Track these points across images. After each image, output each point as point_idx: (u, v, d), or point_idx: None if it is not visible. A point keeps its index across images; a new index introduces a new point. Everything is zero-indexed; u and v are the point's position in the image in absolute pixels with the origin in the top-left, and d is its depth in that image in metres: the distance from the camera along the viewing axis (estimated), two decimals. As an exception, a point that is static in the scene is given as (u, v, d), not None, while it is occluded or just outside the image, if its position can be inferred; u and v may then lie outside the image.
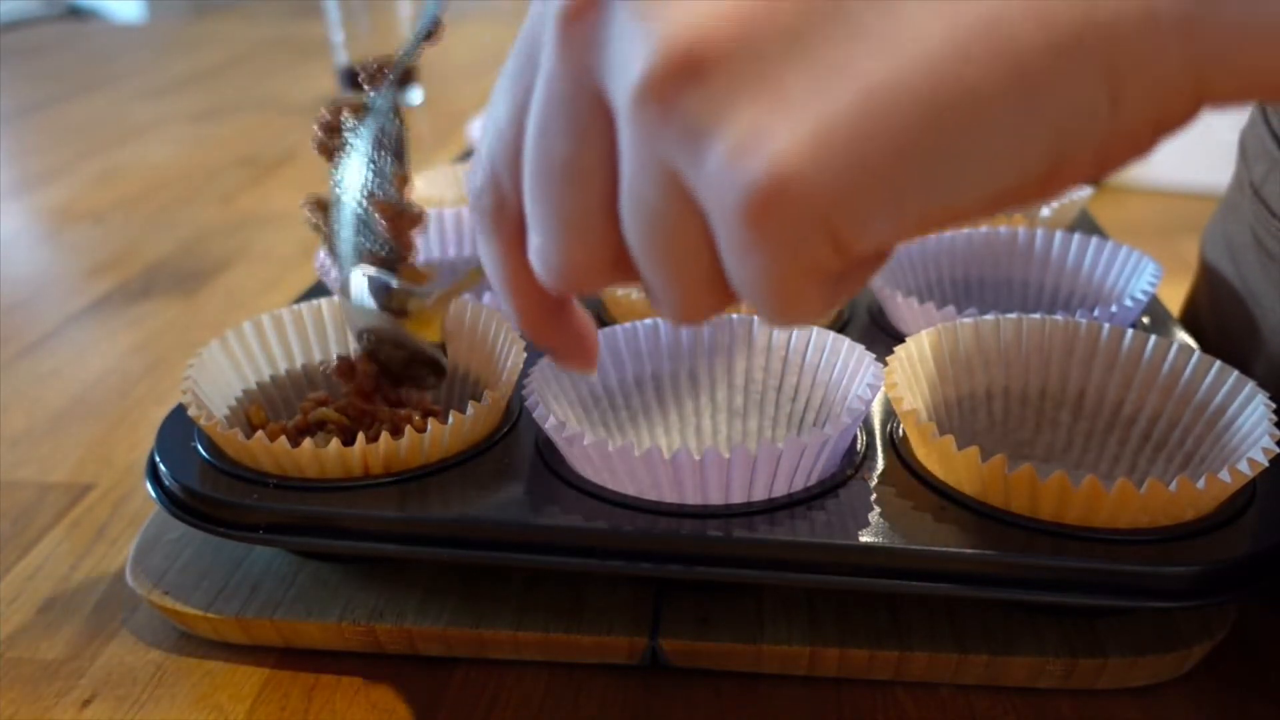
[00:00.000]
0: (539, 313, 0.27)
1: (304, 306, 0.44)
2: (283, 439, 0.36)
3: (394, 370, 0.38)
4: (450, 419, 0.36)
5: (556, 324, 0.28)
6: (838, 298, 0.21)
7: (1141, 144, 0.19)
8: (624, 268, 0.22)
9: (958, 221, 0.19)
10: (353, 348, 0.41)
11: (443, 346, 0.37)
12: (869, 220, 0.18)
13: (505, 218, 0.24)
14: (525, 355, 0.40)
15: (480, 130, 0.25)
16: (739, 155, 0.18)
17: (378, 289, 0.36)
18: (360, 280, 0.36)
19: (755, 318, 0.41)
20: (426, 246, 0.56)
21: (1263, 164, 0.47)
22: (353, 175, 0.38)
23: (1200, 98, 0.18)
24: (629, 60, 0.19)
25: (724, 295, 0.22)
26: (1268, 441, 0.33)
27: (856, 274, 0.21)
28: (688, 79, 0.18)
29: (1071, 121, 0.18)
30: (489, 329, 0.43)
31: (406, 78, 0.39)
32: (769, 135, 0.18)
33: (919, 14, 0.17)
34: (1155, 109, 0.18)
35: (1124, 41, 0.17)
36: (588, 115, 0.21)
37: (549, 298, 0.27)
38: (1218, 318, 0.51)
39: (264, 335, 0.43)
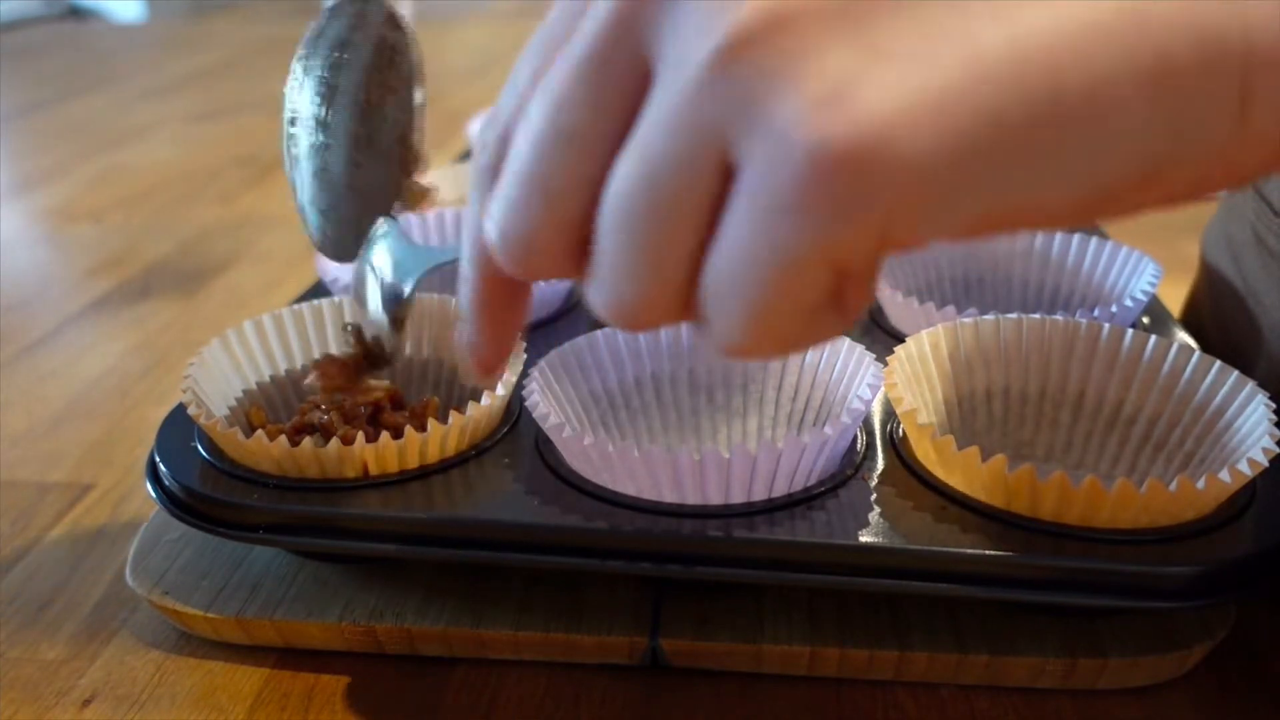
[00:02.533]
0: (498, 289, 0.25)
1: (304, 306, 0.44)
2: (282, 439, 0.36)
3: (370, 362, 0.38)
4: (450, 419, 0.36)
5: (505, 309, 0.25)
6: (807, 335, 0.19)
7: (1245, 170, 0.17)
8: (578, 257, 0.20)
9: (1036, 222, 0.17)
10: (318, 353, 0.41)
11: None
12: (939, 204, 0.16)
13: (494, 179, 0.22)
14: (525, 356, 0.40)
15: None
16: (822, 107, 0.16)
17: (390, 295, 0.35)
18: (375, 282, 0.35)
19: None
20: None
21: None
22: (340, 100, 0.35)
23: None
24: (704, 22, 0.17)
25: (682, 301, 0.19)
26: (1268, 442, 0.33)
27: (828, 309, 0.18)
28: (773, 30, 0.16)
29: (1191, 130, 0.16)
30: None
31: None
32: (858, 91, 0.16)
33: None
34: (1275, 139, 0.17)
35: (1270, 63, 0.16)
36: (617, 83, 0.19)
37: (512, 280, 0.24)
38: (1219, 317, 0.51)
39: (264, 335, 0.43)
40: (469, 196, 0.24)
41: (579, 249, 0.20)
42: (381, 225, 0.36)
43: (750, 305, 0.18)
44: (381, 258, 0.36)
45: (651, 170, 0.18)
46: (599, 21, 0.19)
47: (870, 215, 0.16)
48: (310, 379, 0.39)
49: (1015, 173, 0.16)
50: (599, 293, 0.20)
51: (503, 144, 0.22)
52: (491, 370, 0.27)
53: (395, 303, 0.35)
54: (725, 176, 0.17)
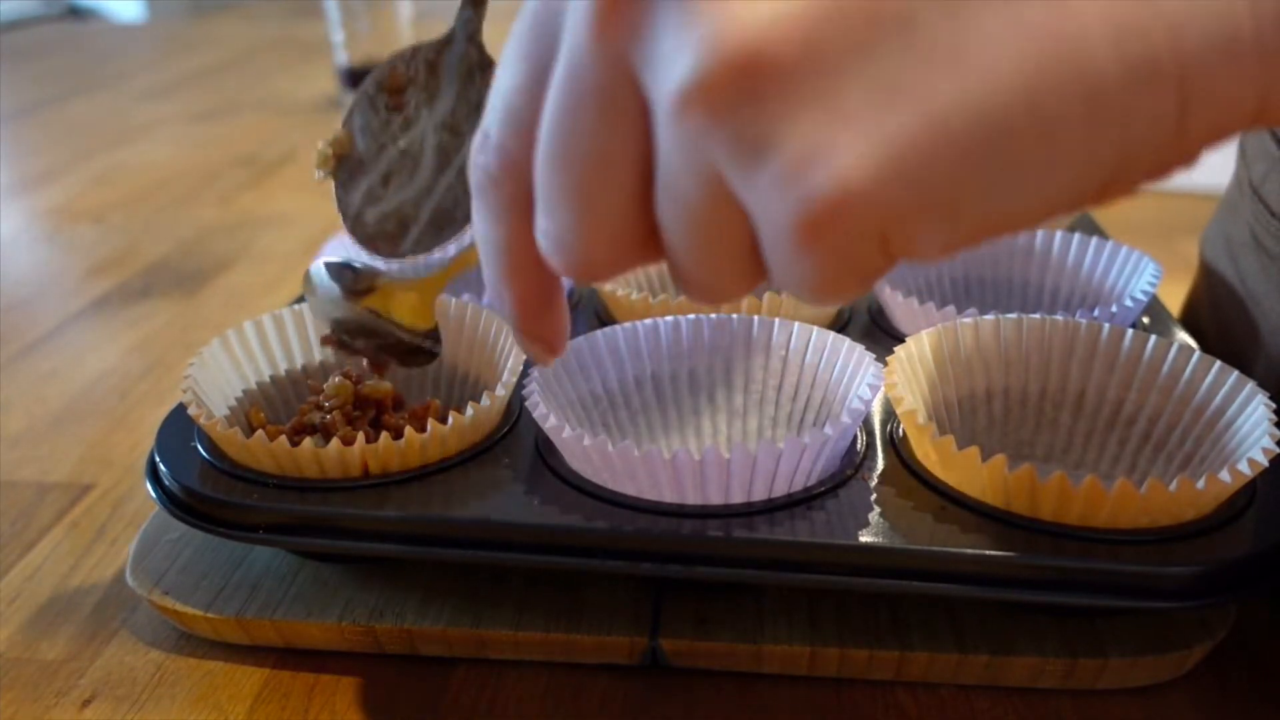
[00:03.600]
0: (537, 298, 0.25)
1: (304, 307, 0.44)
2: (282, 439, 0.36)
3: (374, 360, 0.37)
4: (450, 419, 0.36)
5: (549, 312, 0.26)
6: (868, 287, 0.21)
7: (1194, 156, 0.19)
8: (648, 252, 0.22)
9: (1009, 231, 0.19)
10: (317, 353, 0.41)
11: (435, 332, 0.36)
12: (923, 233, 0.18)
13: (510, 193, 0.23)
14: (525, 356, 0.40)
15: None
16: (797, 170, 0.17)
17: (338, 272, 0.35)
18: (319, 268, 0.35)
19: (756, 318, 0.41)
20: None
21: (1262, 164, 0.47)
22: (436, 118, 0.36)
23: (1258, 117, 0.18)
24: (674, 59, 0.18)
25: (756, 279, 0.21)
26: (1268, 442, 0.33)
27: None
28: (741, 87, 0.17)
29: (1137, 141, 0.18)
30: (489, 330, 0.43)
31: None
32: (829, 151, 0.17)
33: (993, 30, 0.17)
34: (1218, 127, 0.18)
35: (1202, 70, 0.17)
36: (621, 104, 0.19)
37: (548, 282, 0.25)
38: (1218, 318, 0.51)
39: (264, 335, 0.43)
40: (473, 211, 0.24)
41: (643, 244, 0.21)
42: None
43: (813, 295, 0.20)
44: (318, 262, 0.36)
45: (685, 206, 0.20)
46: (582, 46, 0.19)
47: (866, 244, 0.19)
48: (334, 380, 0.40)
49: (982, 198, 0.18)
50: (685, 281, 0.22)
51: (501, 161, 0.22)
52: (558, 352, 0.27)
53: (352, 275, 0.35)
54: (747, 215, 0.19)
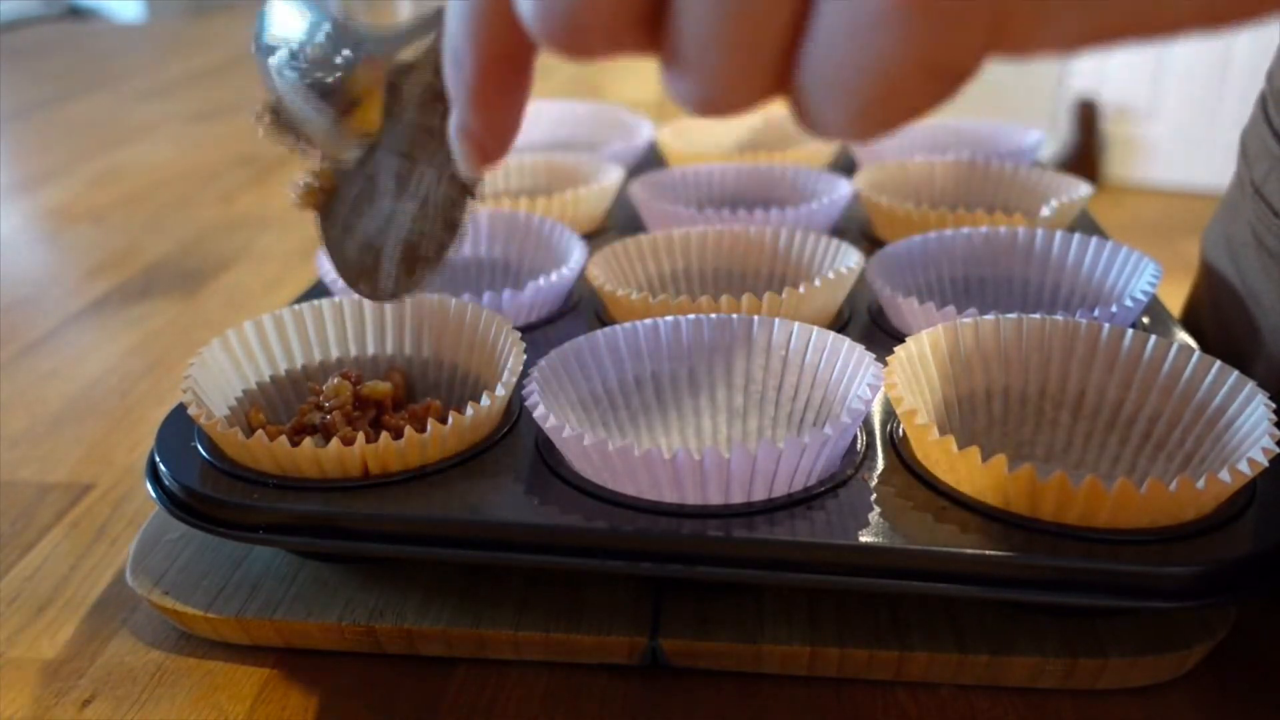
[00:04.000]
0: (499, 69, 0.21)
1: (304, 307, 0.44)
2: (282, 439, 0.36)
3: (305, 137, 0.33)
4: (450, 419, 0.36)
5: (506, 91, 0.21)
6: (916, 115, 0.17)
7: None
8: (649, 25, 0.17)
9: (1156, 31, 0.16)
10: (317, 353, 0.40)
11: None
12: (1048, 13, 0.15)
13: None
14: (525, 356, 0.40)
15: None
16: None
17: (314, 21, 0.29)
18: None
19: (756, 318, 0.41)
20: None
21: (1264, 163, 0.47)
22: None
23: None
24: None
25: (777, 81, 0.17)
26: (1268, 441, 0.33)
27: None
28: None
29: None
30: (489, 329, 0.43)
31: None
32: None
33: None
34: None
35: None
36: None
37: (517, 52, 0.21)
38: (1218, 318, 0.51)
39: (264, 335, 0.43)
40: None
41: (647, 17, 0.17)
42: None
43: (856, 108, 0.16)
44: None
45: None
46: None
47: (975, 20, 0.15)
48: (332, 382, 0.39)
49: None
50: (683, 74, 0.17)
51: None
52: (494, 159, 0.23)
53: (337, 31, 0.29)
54: None
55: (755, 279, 0.53)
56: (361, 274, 0.34)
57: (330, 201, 0.34)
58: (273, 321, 0.43)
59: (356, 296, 0.36)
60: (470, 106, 0.22)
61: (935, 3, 0.15)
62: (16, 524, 0.45)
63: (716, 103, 0.17)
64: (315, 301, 0.44)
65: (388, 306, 0.45)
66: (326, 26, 0.29)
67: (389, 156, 0.32)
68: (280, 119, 0.32)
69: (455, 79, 0.22)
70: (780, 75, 0.17)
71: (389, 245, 0.33)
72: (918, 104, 0.16)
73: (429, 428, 0.36)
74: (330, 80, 0.29)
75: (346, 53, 0.29)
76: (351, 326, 0.44)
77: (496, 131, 0.23)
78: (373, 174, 0.33)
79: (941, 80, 0.16)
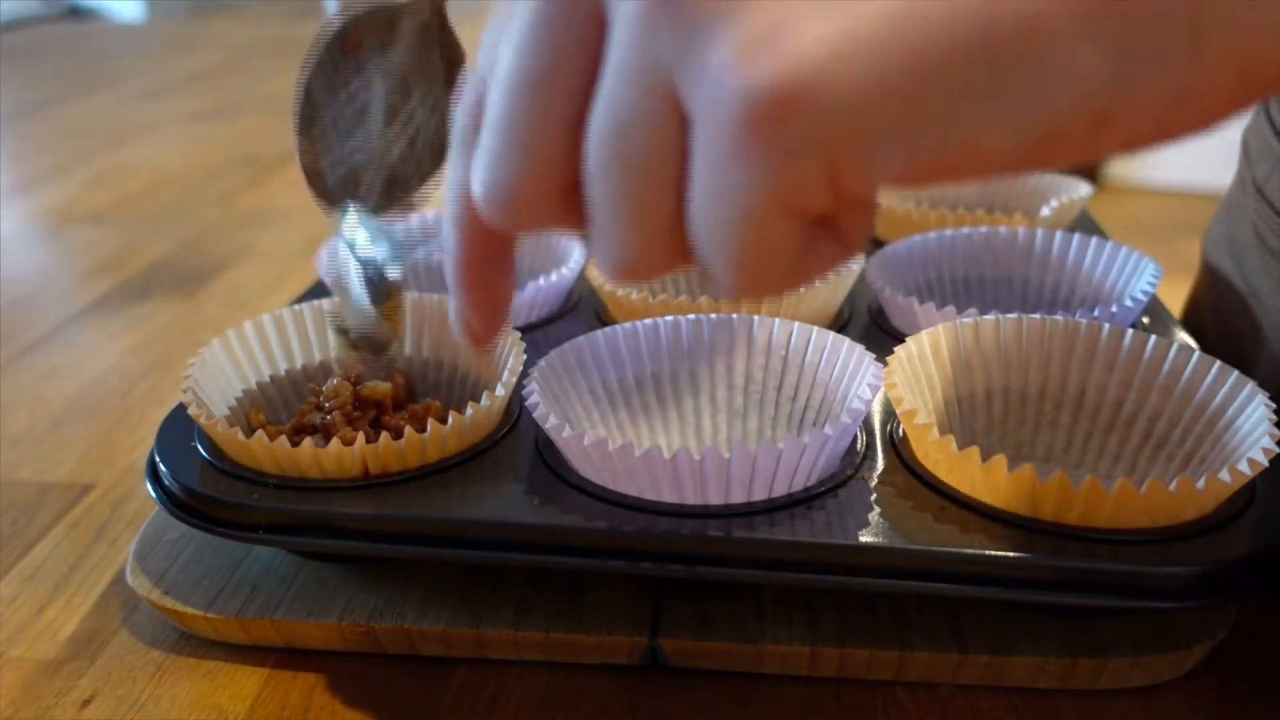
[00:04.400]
0: (483, 251, 0.24)
1: (304, 307, 0.44)
2: (283, 439, 0.36)
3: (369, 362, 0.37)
4: (450, 419, 0.36)
5: (490, 273, 0.25)
6: (803, 269, 0.19)
7: (1212, 103, 0.16)
8: (569, 203, 0.20)
9: (975, 168, 0.17)
10: (318, 353, 0.41)
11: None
12: (878, 146, 0.16)
13: (474, 138, 0.22)
14: (525, 356, 0.40)
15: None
16: (751, 51, 0.16)
17: (375, 280, 0.34)
18: (357, 269, 0.34)
19: (756, 318, 0.41)
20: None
21: (1266, 162, 0.47)
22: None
23: None
24: None
25: (677, 246, 0.19)
26: (1268, 442, 0.33)
27: (827, 241, 0.19)
28: None
29: (1141, 65, 0.16)
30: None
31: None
32: (787, 34, 0.16)
33: None
34: (1243, 59, 0.16)
35: None
36: (575, 25, 0.19)
37: (496, 240, 0.24)
38: (1219, 317, 0.51)
39: (264, 335, 0.43)
40: (451, 162, 0.23)
41: (565, 197, 0.20)
42: (352, 212, 0.35)
43: (732, 255, 0.18)
44: (361, 241, 0.35)
45: (617, 118, 0.18)
46: None
47: (811, 158, 0.16)
48: (332, 383, 0.40)
49: (955, 113, 0.16)
50: (597, 244, 0.20)
51: (479, 105, 0.21)
52: (484, 341, 0.26)
53: (383, 285, 0.34)
54: (685, 125, 0.18)
55: (755, 279, 0.53)
56: (337, 194, 0.36)
57: (305, 115, 0.37)
58: (273, 321, 0.43)
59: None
60: (461, 294, 0.25)
61: (772, 139, 0.16)
62: (16, 524, 0.45)
63: (630, 267, 0.20)
64: (315, 302, 0.44)
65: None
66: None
67: (379, 83, 0.35)
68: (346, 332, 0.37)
69: (448, 269, 0.25)
70: (680, 239, 0.19)
71: (371, 169, 0.36)
72: (786, 250, 0.18)
73: (429, 428, 0.36)
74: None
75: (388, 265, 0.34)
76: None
77: (485, 316, 0.25)
78: (362, 99, 0.35)
79: (796, 221, 0.17)
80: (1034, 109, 0.16)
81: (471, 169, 0.21)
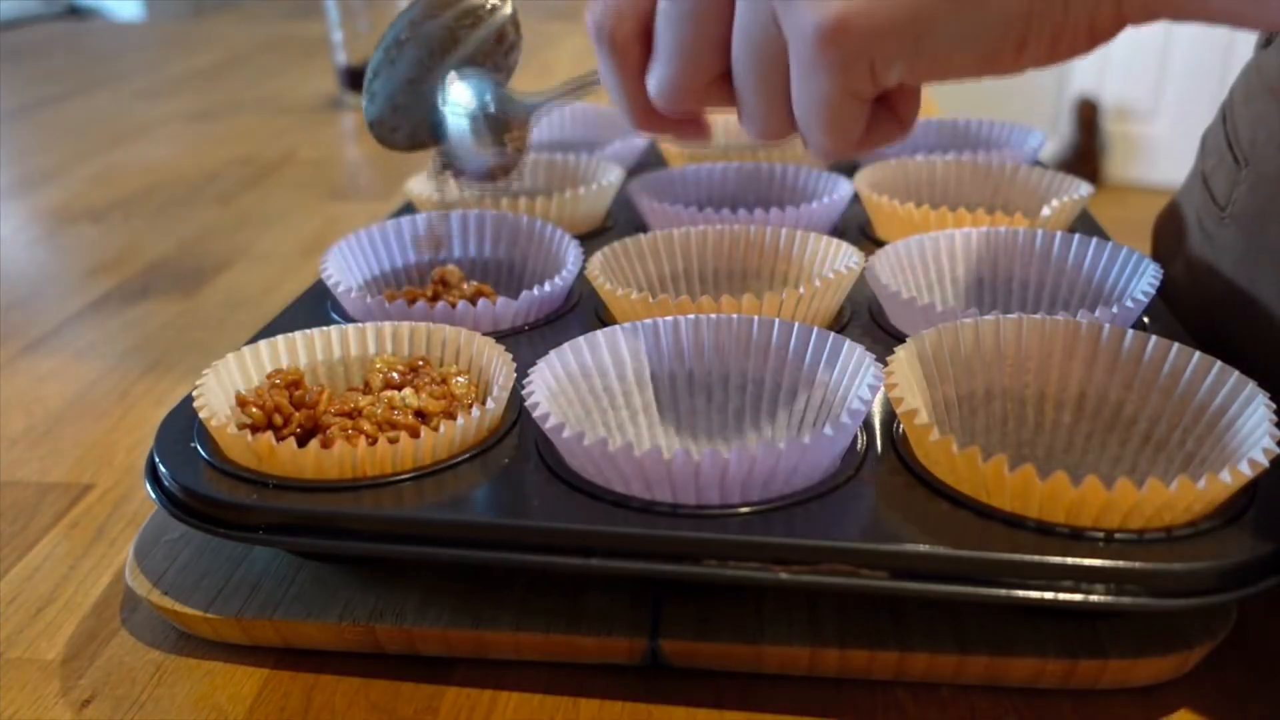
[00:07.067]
0: (648, 119, 0.35)
1: (315, 333, 0.43)
2: (290, 441, 0.36)
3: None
4: (443, 428, 0.36)
5: (665, 123, 0.36)
6: (871, 136, 0.31)
7: (1079, 43, 0.28)
8: (715, 92, 0.33)
9: (952, 73, 0.28)
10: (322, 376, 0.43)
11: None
12: (895, 56, 0.28)
13: (624, 47, 0.33)
14: (515, 363, 0.40)
15: None
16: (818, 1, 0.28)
17: (497, 110, 0.46)
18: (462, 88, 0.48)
19: (756, 318, 0.41)
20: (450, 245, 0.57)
21: (1214, 156, 0.51)
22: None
23: (1121, 18, 0.27)
24: None
25: (790, 117, 0.31)
26: (1268, 442, 0.33)
27: (883, 116, 0.32)
28: None
29: (1038, 12, 0.27)
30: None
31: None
32: None
33: None
34: (1089, 15, 0.27)
35: None
36: None
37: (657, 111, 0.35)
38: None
39: (276, 354, 0.43)
40: (599, 70, 0.35)
41: (710, 90, 0.33)
42: (460, 78, 0.48)
43: (822, 125, 0.30)
44: (470, 97, 0.47)
45: (748, 36, 0.30)
46: None
47: (859, 63, 0.28)
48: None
49: (935, 36, 0.27)
50: (744, 118, 0.33)
51: (618, 23, 0.33)
52: (705, 136, 0.37)
53: (502, 119, 0.45)
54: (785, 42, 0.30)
55: (755, 279, 0.53)
56: (383, 126, 0.49)
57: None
58: (285, 344, 0.43)
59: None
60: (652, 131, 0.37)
61: (834, 53, 0.28)
62: (16, 524, 0.45)
63: (765, 135, 0.33)
64: (326, 329, 0.44)
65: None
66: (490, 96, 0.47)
67: (405, 27, 0.48)
68: (448, 165, 0.50)
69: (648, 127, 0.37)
70: (792, 113, 0.31)
71: (412, 117, 0.49)
72: (855, 121, 0.30)
73: (422, 434, 0.36)
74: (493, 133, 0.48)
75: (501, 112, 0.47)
76: (354, 338, 0.44)
77: (687, 131, 0.37)
78: (411, 61, 0.48)
79: (859, 102, 0.30)
80: (982, 35, 0.27)
81: (650, 76, 0.33)
